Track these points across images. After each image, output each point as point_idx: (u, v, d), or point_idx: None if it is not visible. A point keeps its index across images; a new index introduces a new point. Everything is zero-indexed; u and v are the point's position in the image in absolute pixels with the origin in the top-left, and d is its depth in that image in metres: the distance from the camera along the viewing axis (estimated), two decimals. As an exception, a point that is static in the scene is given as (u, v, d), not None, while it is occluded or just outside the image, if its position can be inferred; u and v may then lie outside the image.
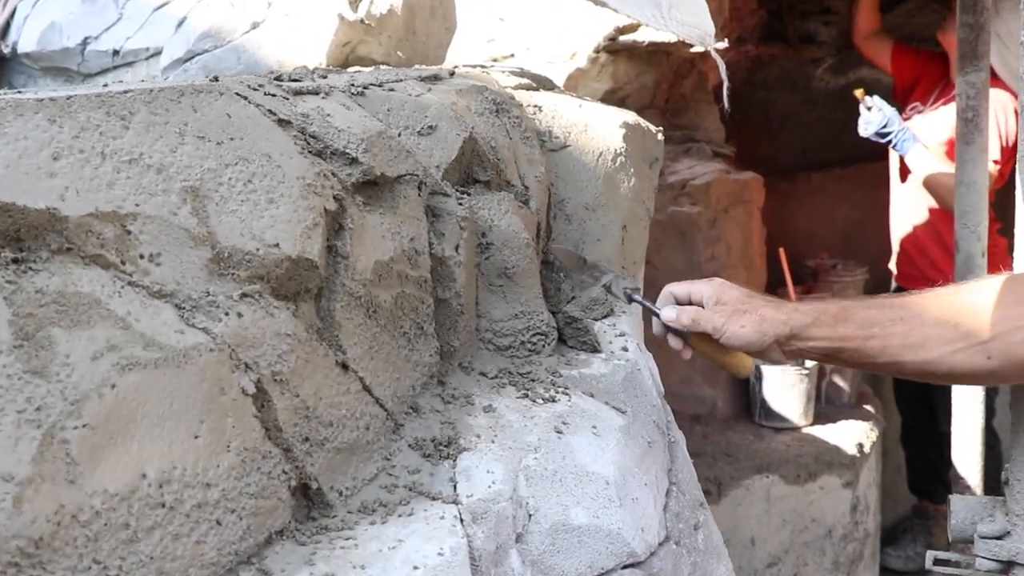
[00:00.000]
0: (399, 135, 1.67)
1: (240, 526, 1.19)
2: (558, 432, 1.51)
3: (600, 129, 2.32)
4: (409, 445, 1.43)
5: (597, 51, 4.37)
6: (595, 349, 1.80)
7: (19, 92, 1.34)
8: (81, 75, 3.45)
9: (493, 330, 1.73)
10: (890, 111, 4.30)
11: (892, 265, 4.80)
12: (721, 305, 1.71)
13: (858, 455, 4.26)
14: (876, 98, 4.35)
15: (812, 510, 4.13)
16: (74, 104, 1.20)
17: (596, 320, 1.94)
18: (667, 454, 1.77)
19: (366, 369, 1.40)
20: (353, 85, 1.69)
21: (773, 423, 4.43)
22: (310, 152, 1.45)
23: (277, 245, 1.28)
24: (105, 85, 1.38)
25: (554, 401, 1.58)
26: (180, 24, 3.29)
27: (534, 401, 1.57)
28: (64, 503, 1.02)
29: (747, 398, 4.51)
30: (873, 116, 4.29)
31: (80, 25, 3.44)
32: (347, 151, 1.47)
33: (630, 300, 1.94)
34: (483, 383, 1.61)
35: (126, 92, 1.27)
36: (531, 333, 1.74)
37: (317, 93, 1.55)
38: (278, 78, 1.67)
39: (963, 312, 1.53)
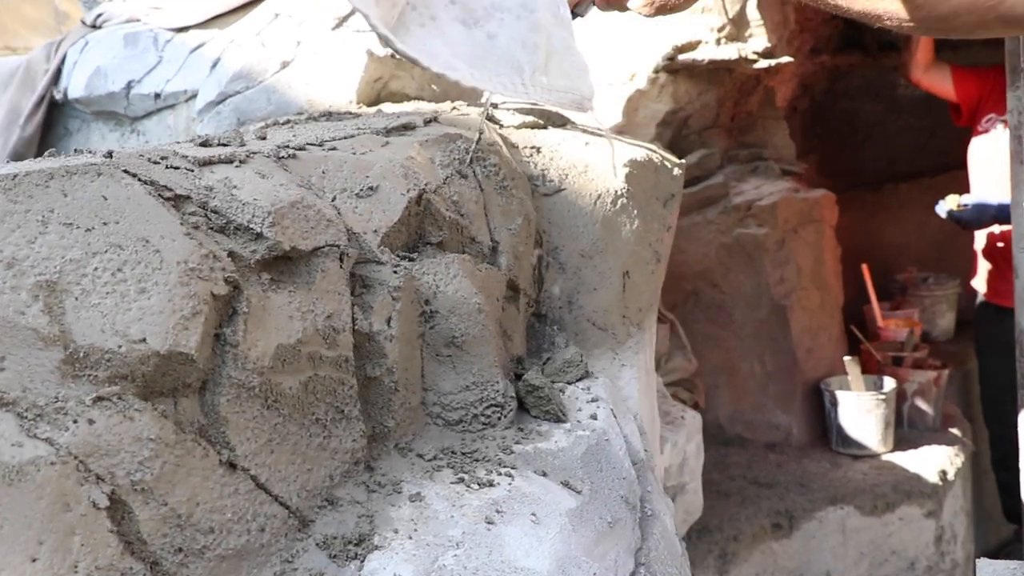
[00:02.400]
0: (333, 199, 1.57)
1: (89, 653, 1.09)
2: (489, 522, 1.38)
3: (601, 169, 2.19)
4: (317, 544, 1.32)
5: (656, 71, 4.23)
6: (559, 419, 1.67)
7: None
8: (128, 118, 3.46)
9: (442, 404, 1.61)
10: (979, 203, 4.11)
11: (978, 283, 4.53)
12: None
13: (940, 483, 4.02)
14: (969, 199, 4.16)
15: (892, 542, 3.90)
16: (-84, 199, 1.13)
17: (569, 384, 1.81)
18: (636, 532, 1.63)
19: (262, 465, 1.30)
20: (286, 147, 1.60)
21: (850, 450, 4.22)
22: (211, 229, 1.36)
23: (144, 340, 1.18)
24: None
25: (491, 485, 1.46)
26: (214, 65, 3.27)
27: (469, 486, 1.45)
28: None
29: (824, 424, 4.30)
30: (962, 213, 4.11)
31: (123, 69, 3.44)
32: (251, 226, 1.37)
33: None
34: (418, 466, 1.50)
35: (-16, 181, 1.19)
36: (485, 405, 1.61)
37: (231, 162, 1.46)
38: (204, 143, 1.58)
39: None
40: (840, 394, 4.18)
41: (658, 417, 2.42)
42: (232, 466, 1.26)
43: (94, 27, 3.63)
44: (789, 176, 4.46)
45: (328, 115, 2.42)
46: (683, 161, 2.55)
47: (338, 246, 1.47)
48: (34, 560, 1.07)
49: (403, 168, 1.68)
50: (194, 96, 3.24)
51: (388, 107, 2.76)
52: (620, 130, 4.21)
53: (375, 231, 1.58)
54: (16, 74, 3.59)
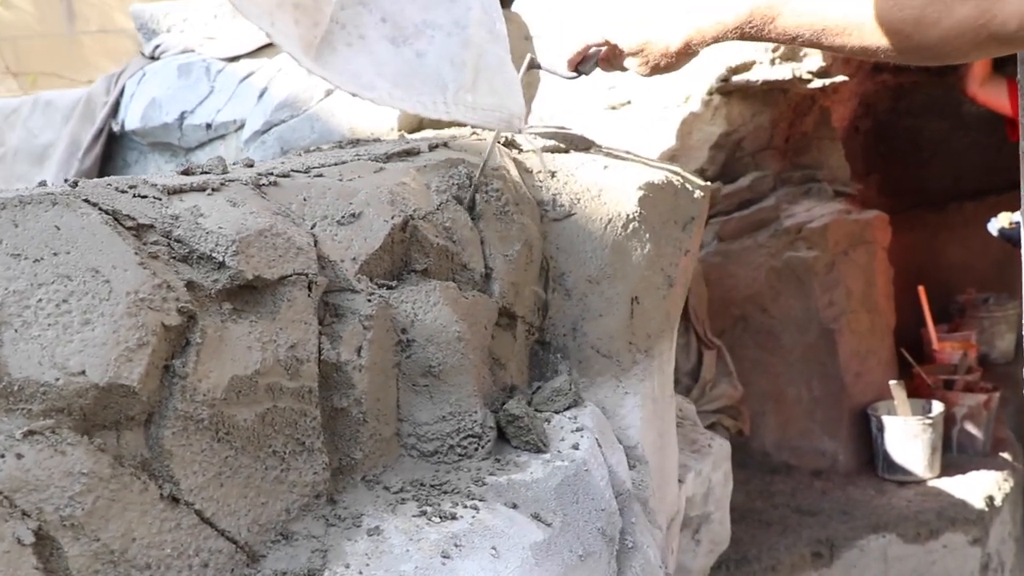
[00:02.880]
0: (312, 226, 1.55)
1: None
2: (445, 556, 1.35)
3: (614, 193, 2.15)
4: (266, 580, 1.30)
5: (710, 93, 4.17)
6: (539, 449, 1.63)
7: None
8: (182, 149, 3.50)
9: (417, 435, 1.58)
10: None
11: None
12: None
13: (987, 509, 3.89)
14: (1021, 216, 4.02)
15: (935, 570, 3.78)
16: None
17: (557, 412, 1.77)
18: (612, 565, 1.58)
19: (209, 499, 1.28)
20: (269, 174, 1.59)
21: (896, 476, 4.10)
22: (173, 258, 1.35)
23: (83, 372, 1.17)
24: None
25: (453, 518, 1.43)
26: (261, 95, 3.29)
27: (430, 519, 1.42)
28: None
29: (871, 450, 4.18)
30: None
31: (177, 100, 3.48)
32: (214, 255, 1.36)
33: (532, 66, 2.10)
34: (382, 499, 1.47)
35: (-68, 211, 1.19)
36: (461, 436, 1.58)
37: (203, 190, 1.45)
38: (186, 172, 1.57)
39: None
40: (887, 419, 4.07)
41: (673, 445, 2.37)
42: (175, 500, 1.24)
43: (152, 58, 3.67)
44: (842, 197, 4.36)
45: (356, 142, 2.42)
46: (708, 184, 2.50)
47: (306, 275, 1.46)
48: (-48, 596, 1.06)
49: (391, 194, 1.66)
50: (243, 126, 3.26)
51: (428, 133, 2.75)
52: (673, 154, 4.17)
53: (353, 259, 1.56)
54: (77, 106, 3.65)
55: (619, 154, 2.50)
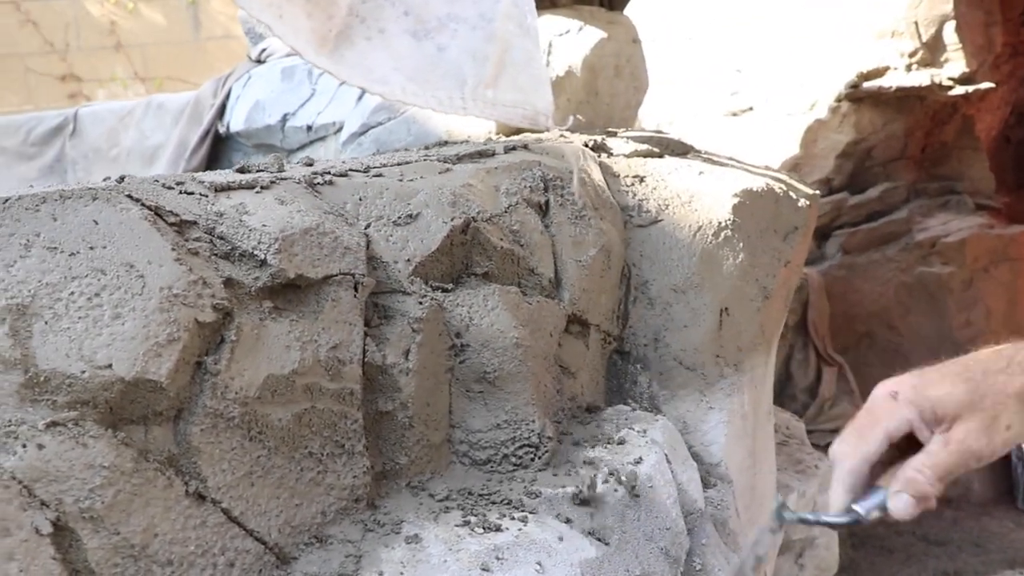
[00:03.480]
0: (367, 227, 1.53)
1: None
2: (485, 569, 1.31)
3: (707, 199, 2.08)
4: (296, 582, 1.28)
5: (838, 100, 4.06)
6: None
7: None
8: (284, 151, 3.55)
9: (470, 442, 1.55)
10: None
11: None
12: (946, 420, 1.11)
13: None
14: None
15: (1079, 615, 3.55)
16: (-103, 222, 1.15)
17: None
18: (675, 589, 1.51)
19: (238, 498, 1.27)
20: (326, 173, 1.57)
21: (1038, 509, 3.88)
22: (214, 255, 1.35)
23: (110, 366, 1.17)
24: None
25: (498, 530, 1.38)
26: (360, 98, 3.31)
27: (473, 530, 1.38)
28: None
29: (1010, 480, 3.97)
30: None
31: (280, 102, 3.54)
32: (256, 252, 1.35)
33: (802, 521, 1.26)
34: (425, 506, 1.43)
35: (-28, 204, 1.21)
36: (517, 445, 1.54)
37: (252, 187, 1.44)
38: (241, 169, 1.57)
39: None
40: (1029, 447, 3.85)
41: (769, 464, 2.27)
42: (201, 497, 1.23)
43: (258, 61, 3.75)
44: (984, 211, 4.16)
45: (444, 144, 2.40)
46: (815, 192, 2.41)
47: (353, 275, 1.43)
48: (-34, 584, 1.06)
49: (453, 196, 1.63)
50: (342, 128, 3.29)
51: (527, 136, 2.72)
52: (797, 162, 4.05)
53: (407, 260, 1.54)
54: (186, 109, 3.75)
55: (719, 159, 2.42)
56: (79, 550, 1.14)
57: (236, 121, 3.67)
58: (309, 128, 3.44)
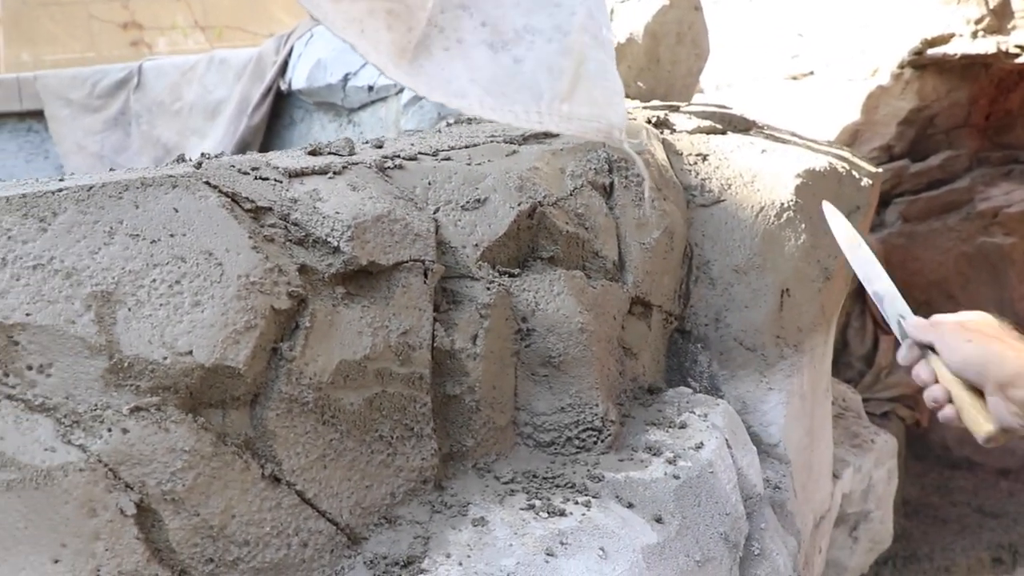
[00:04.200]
0: (436, 211, 1.56)
1: (107, 655, 1.13)
2: (549, 554, 1.34)
3: (769, 179, 2.08)
4: (366, 562, 1.32)
5: (901, 66, 4.00)
6: None
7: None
8: (345, 110, 3.57)
9: (534, 424, 1.57)
10: None
11: None
12: (961, 326, 1.37)
13: None
14: None
15: None
16: (-11, 208, 1.19)
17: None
18: (734, 572, 1.54)
19: (311, 480, 1.31)
20: (396, 157, 1.60)
21: (1097, 485, 3.86)
22: (289, 241, 1.38)
23: (190, 353, 1.21)
24: (60, 178, 1.37)
25: (562, 515, 1.41)
26: (421, 60, 3.31)
27: (537, 514, 1.41)
28: None
29: (1069, 454, 3.95)
30: None
31: (341, 62, 3.56)
32: (329, 239, 1.38)
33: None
34: (491, 489, 1.47)
35: (59, 191, 1.25)
36: (580, 428, 1.57)
37: (325, 173, 1.47)
38: (314, 152, 1.60)
39: None
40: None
41: (827, 441, 2.29)
42: (276, 480, 1.27)
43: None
44: (1048, 181, 4.12)
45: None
46: (877, 170, 2.40)
47: (423, 261, 1.46)
48: (56, 562, 1.11)
49: (520, 180, 1.65)
50: (403, 89, 3.30)
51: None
52: (857, 129, 4.02)
53: (475, 245, 1.56)
54: (249, 65, 3.78)
55: (781, 136, 2.42)
56: (161, 530, 1.18)
57: (298, 79, 3.70)
58: (370, 88, 3.46)
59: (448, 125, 2.53)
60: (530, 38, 1.29)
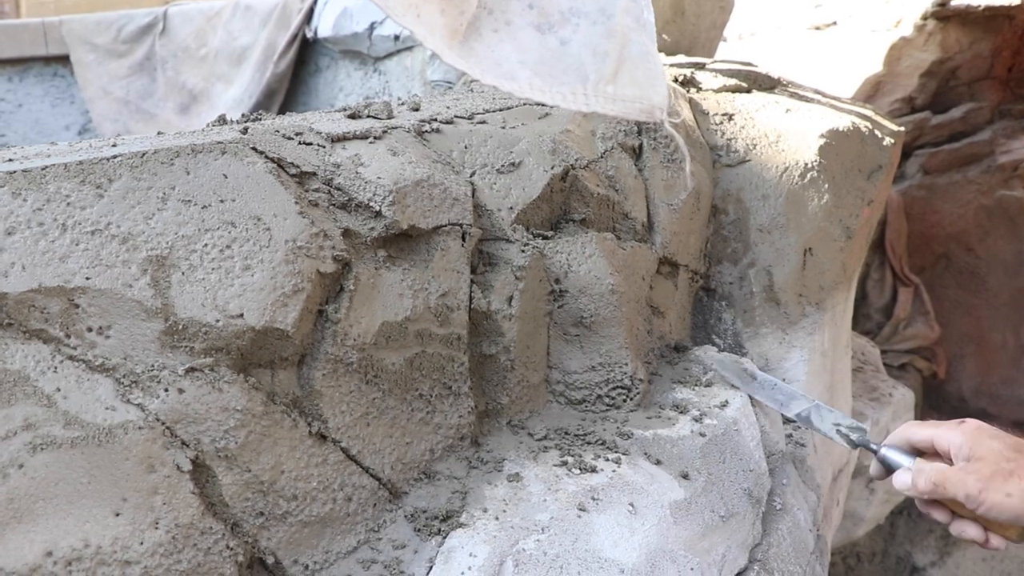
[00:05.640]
0: (472, 175, 1.60)
1: (165, 603, 1.20)
2: (581, 509, 1.40)
3: (794, 140, 2.12)
4: (406, 516, 1.38)
5: (924, 18, 4.00)
6: None
7: (14, 152, 1.40)
8: (371, 58, 3.60)
9: (566, 382, 1.63)
10: None
11: None
12: (976, 461, 1.29)
13: None
14: None
15: None
16: (47, 174, 1.24)
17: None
18: (757, 527, 1.59)
19: (355, 437, 1.36)
20: (433, 120, 1.64)
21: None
22: (332, 205, 1.42)
23: (241, 315, 1.26)
24: (113, 143, 1.41)
25: (593, 471, 1.47)
26: (449, 11, 3.32)
27: (570, 470, 1.47)
28: (-53, 582, 1.07)
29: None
30: None
31: (368, 10, 3.57)
32: (371, 204, 1.43)
33: (854, 445, 1.58)
34: (525, 445, 1.52)
35: (113, 157, 1.29)
36: (610, 387, 1.62)
37: (366, 138, 1.51)
38: (353, 115, 1.64)
39: None
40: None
41: (845, 395, 2.34)
42: (322, 437, 1.33)
43: (344, -33, 3.77)
44: (1070, 134, 4.12)
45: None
46: (899, 129, 2.42)
47: (461, 225, 1.50)
48: (117, 515, 1.17)
49: (553, 143, 1.68)
50: (429, 39, 3.32)
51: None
52: (880, 80, 4.03)
53: (510, 208, 1.60)
54: (274, 12, 3.80)
55: (804, 94, 2.44)
56: (215, 486, 1.24)
57: (324, 27, 3.72)
58: (396, 38, 3.48)
59: (475, 80, 2.56)
60: (575, 20, 1.32)
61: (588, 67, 1.31)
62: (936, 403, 3.93)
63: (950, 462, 1.35)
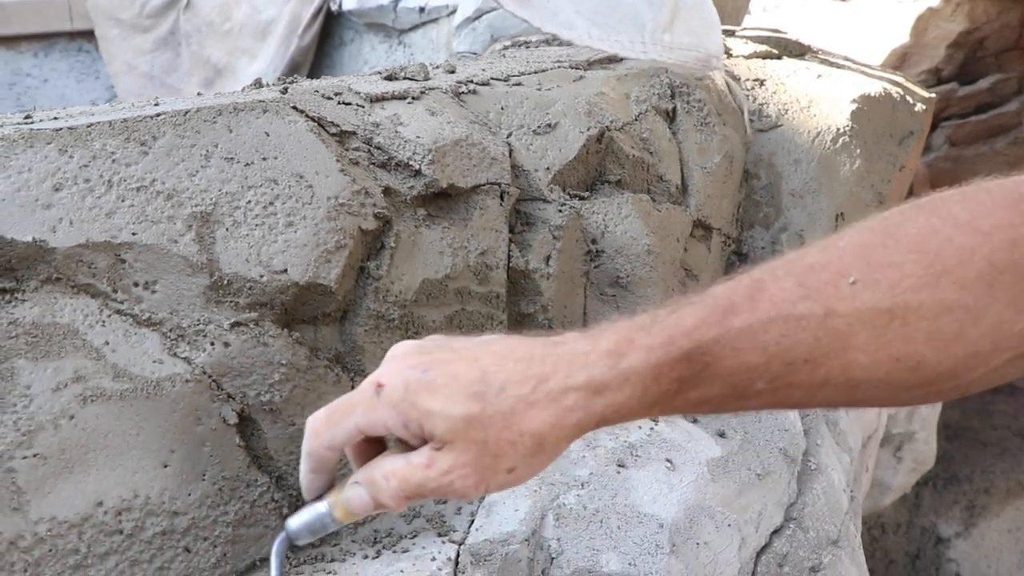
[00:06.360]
0: (508, 136, 1.61)
1: (213, 554, 1.22)
2: (620, 465, 1.41)
3: (825, 105, 2.12)
4: (447, 471, 1.39)
5: (952, -13, 3.97)
6: None
7: (49, 116, 1.42)
8: (396, 31, 3.60)
9: (602, 342, 1.63)
10: None
11: None
12: (436, 440, 0.89)
13: None
14: None
15: None
16: (92, 132, 1.25)
17: None
18: (792, 486, 1.60)
19: (397, 393, 1.37)
20: (469, 82, 1.64)
21: None
22: (372, 164, 1.43)
23: (285, 271, 1.27)
24: (155, 103, 1.43)
25: (631, 429, 1.48)
26: (473, -19, 3.32)
27: (608, 429, 1.47)
28: (2, 530, 1.08)
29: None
30: None
31: (393, -18, 3.56)
32: (411, 163, 1.43)
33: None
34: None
35: (157, 115, 1.30)
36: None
37: (404, 98, 1.52)
38: (390, 76, 1.65)
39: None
40: None
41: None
42: (365, 392, 1.34)
43: (371, -61, 3.77)
44: (1097, 107, 4.10)
45: (557, 40, 2.44)
46: (931, 95, 2.42)
47: (499, 184, 1.51)
48: (165, 466, 1.19)
49: (588, 105, 1.69)
50: (455, 10, 3.32)
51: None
52: (906, 51, 4.01)
53: (547, 168, 1.61)
54: (299, -16, 3.80)
55: (835, 61, 2.44)
56: (260, 439, 1.26)
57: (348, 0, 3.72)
58: (422, 10, 3.48)
59: (505, 48, 2.56)
60: (631, -31, 1.33)
61: (644, 16, 1.32)
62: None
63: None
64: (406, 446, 0.93)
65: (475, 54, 3.02)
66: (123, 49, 4.49)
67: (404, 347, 0.97)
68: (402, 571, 1.24)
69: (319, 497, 0.99)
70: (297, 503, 1.29)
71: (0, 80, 4.71)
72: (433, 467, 0.89)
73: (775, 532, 1.56)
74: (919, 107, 2.30)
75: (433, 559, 1.25)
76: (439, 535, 1.30)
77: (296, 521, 0.99)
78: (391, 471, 0.92)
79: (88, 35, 4.50)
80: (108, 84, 4.62)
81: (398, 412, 0.91)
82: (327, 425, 0.97)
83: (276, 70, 3.90)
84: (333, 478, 1.00)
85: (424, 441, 0.90)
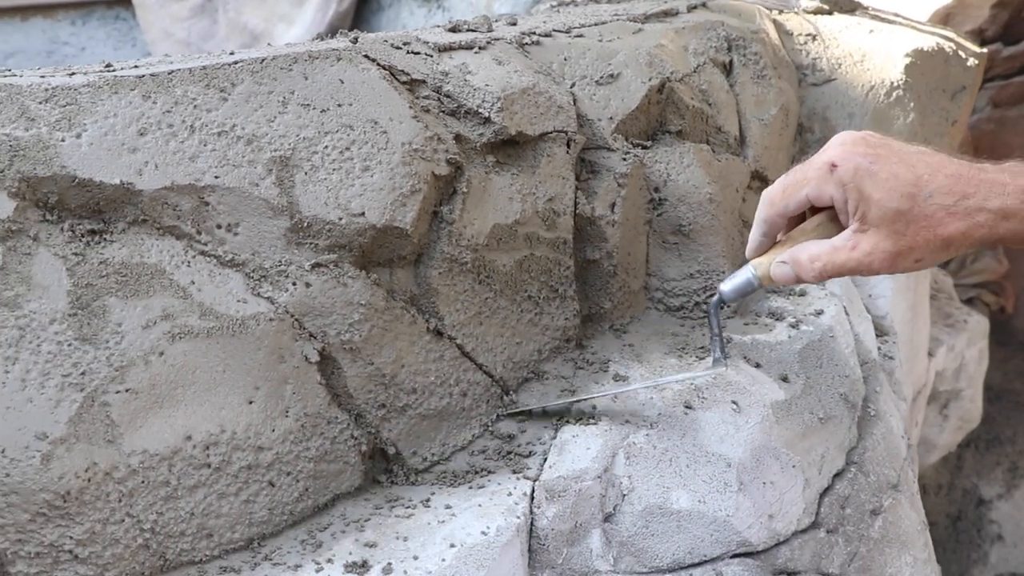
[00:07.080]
0: (572, 86, 1.62)
1: (296, 488, 1.25)
2: (688, 407, 1.43)
3: (879, 59, 2.12)
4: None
5: (996, -55, 3.94)
6: None
7: (133, 66, 1.44)
8: (435, -10, 3.60)
9: (664, 289, 1.66)
10: None
11: None
12: (866, 221, 1.12)
13: None
14: None
15: None
16: (174, 79, 1.28)
17: None
18: (853, 431, 1.62)
19: (469, 335, 1.40)
20: (532, 34, 1.66)
21: None
22: (442, 112, 1.45)
23: (363, 214, 1.29)
24: (231, 52, 1.44)
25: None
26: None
27: (678, 362, 1.50)
28: (97, 461, 1.12)
29: None
30: None
31: (430, -54, 3.57)
32: (480, 110, 1.45)
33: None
34: (628, 349, 1.55)
35: (235, 63, 1.33)
36: (708, 294, 1.65)
37: (471, 48, 1.54)
38: (454, 28, 1.66)
39: None
40: None
41: (925, 318, 2.35)
42: (439, 334, 1.37)
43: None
44: None
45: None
46: (983, 50, 2.42)
47: (566, 132, 1.53)
48: (250, 403, 1.22)
49: (648, 56, 1.70)
50: (498, -29, 3.33)
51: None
52: (949, 12, 3.98)
53: (610, 118, 1.62)
54: (337, -51, 3.81)
55: (887, 17, 2.44)
56: (340, 377, 1.29)
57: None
58: (462, -28, 3.49)
59: (553, 7, 2.57)
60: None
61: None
62: (1003, 338, 3.91)
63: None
64: (829, 229, 1.16)
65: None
66: (160, 16, 4.51)
67: (851, 135, 1.16)
68: (480, 505, 1.26)
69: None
70: (375, 440, 1.32)
71: (38, 48, 4.73)
72: (857, 248, 1.12)
73: (837, 475, 1.58)
74: (971, 62, 2.30)
75: (509, 494, 1.28)
76: (514, 472, 1.33)
77: (728, 285, 1.31)
78: (816, 254, 1.16)
79: (125, 2, 4.52)
80: (145, 51, 4.64)
81: (845, 190, 1.11)
82: (782, 196, 1.20)
83: (313, 36, 3.91)
84: (772, 243, 1.26)
85: (851, 219, 1.12)
